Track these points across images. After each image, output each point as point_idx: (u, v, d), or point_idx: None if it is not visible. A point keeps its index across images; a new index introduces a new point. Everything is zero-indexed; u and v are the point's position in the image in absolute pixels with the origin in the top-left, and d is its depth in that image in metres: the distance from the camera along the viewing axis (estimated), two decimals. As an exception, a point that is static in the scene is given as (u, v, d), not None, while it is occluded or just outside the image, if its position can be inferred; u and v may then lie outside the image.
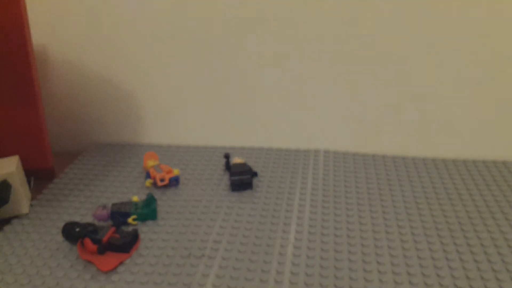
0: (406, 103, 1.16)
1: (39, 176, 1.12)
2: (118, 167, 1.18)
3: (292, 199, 1.02)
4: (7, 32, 0.97)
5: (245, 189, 1.06)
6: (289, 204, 1.00)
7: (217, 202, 1.01)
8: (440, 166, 1.14)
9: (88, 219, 0.97)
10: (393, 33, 1.09)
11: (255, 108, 1.22)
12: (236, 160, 1.11)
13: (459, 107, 1.14)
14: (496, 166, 1.14)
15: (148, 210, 0.94)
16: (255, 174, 1.09)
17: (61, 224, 0.95)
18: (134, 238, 0.86)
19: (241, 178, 1.05)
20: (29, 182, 1.07)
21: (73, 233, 0.87)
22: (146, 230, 0.92)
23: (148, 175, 1.09)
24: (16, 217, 0.98)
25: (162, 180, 1.06)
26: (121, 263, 0.83)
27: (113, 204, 0.95)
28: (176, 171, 1.08)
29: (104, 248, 0.84)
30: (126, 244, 0.84)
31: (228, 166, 1.12)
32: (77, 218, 0.97)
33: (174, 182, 1.08)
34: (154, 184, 1.08)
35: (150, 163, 1.11)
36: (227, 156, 1.11)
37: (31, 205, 1.02)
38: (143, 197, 1.03)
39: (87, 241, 0.84)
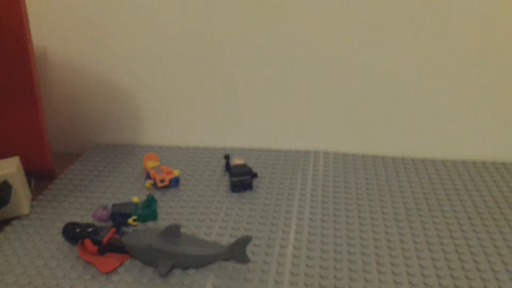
0: (406, 104, 1.16)
1: (39, 177, 1.12)
2: (118, 168, 1.18)
3: (291, 200, 1.02)
4: (8, 33, 0.97)
5: (245, 190, 1.06)
6: (288, 205, 1.00)
7: (217, 203, 1.02)
8: (440, 167, 1.14)
9: (88, 219, 0.97)
10: (394, 35, 1.10)
11: (255, 109, 1.23)
12: (236, 161, 1.11)
13: (459, 109, 1.15)
14: (496, 167, 1.14)
15: (148, 211, 0.94)
16: (255, 175, 1.09)
17: (62, 225, 0.95)
18: None
19: (241, 179, 1.05)
20: (29, 183, 1.07)
21: (73, 233, 0.87)
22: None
23: (148, 176, 1.09)
24: (17, 217, 0.98)
25: (162, 181, 1.06)
26: (121, 264, 0.83)
27: (114, 205, 0.95)
28: (176, 172, 1.08)
29: (105, 249, 0.84)
30: None
31: (228, 167, 1.12)
32: (77, 219, 0.97)
33: (174, 183, 1.08)
34: (154, 185, 1.09)
35: (150, 164, 1.11)
36: (227, 157, 1.11)
37: (31, 206, 1.02)
38: (144, 198, 1.04)
39: (87, 242, 0.84)
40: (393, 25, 1.09)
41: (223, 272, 0.80)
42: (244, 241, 0.79)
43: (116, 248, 0.84)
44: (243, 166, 1.08)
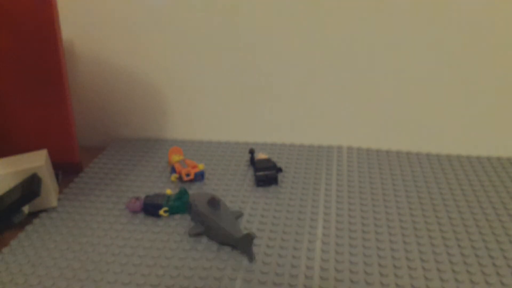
0: (429, 100, 1.15)
1: (66, 170, 1.13)
2: (142, 161, 1.18)
3: (317, 195, 1.02)
4: (38, 25, 0.98)
5: (270, 184, 1.06)
6: (314, 200, 1.00)
7: (242, 197, 1.02)
8: (465, 163, 1.14)
9: (115, 213, 0.97)
10: (412, 34, 1.09)
11: (278, 104, 1.22)
12: (260, 155, 1.11)
13: (486, 105, 1.13)
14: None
15: (179, 203, 0.95)
16: (280, 169, 1.09)
17: (89, 218, 0.96)
18: None
19: (266, 173, 1.05)
20: (57, 176, 1.08)
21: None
22: (174, 224, 0.93)
23: (173, 170, 1.09)
24: (44, 210, 0.99)
25: (187, 175, 1.06)
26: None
27: (146, 196, 0.97)
28: (201, 166, 1.08)
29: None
30: None
31: (253, 162, 1.12)
32: (104, 212, 0.97)
33: (200, 177, 1.08)
34: (180, 178, 1.09)
35: (175, 158, 1.11)
36: (252, 152, 1.11)
37: (58, 199, 1.03)
38: (176, 190, 1.04)
39: None
40: (415, 24, 1.08)
41: (253, 266, 0.80)
42: (249, 239, 0.82)
43: None
44: (268, 160, 1.08)
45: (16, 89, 1.05)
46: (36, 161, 0.96)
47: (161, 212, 0.94)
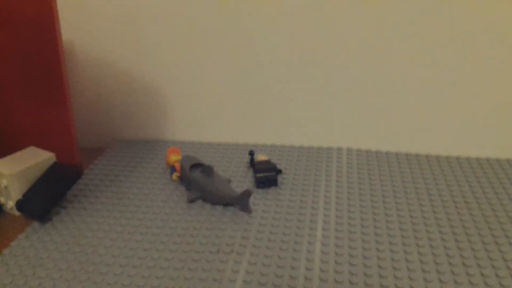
0: (430, 102, 1.15)
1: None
2: (143, 163, 1.19)
3: (317, 196, 1.02)
4: (38, 27, 0.98)
5: (270, 186, 1.06)
6: (314, 202, 1.00)
7: (242, 198, 1.02)
8: (464, 165, 1.14)
9: (116, 214, 0.97)
10: (411, 36, 1.09)
11: (278, 106, 1.23)
12: (260, 157, 1.11)
13: (487, 107, 1.14)
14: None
15: None
16: (279, 171, 1.09)
17: (89, 219, 0.96)
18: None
19: (266, 175, 1.05)
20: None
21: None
22: (174, 226, 0.93)
23: (173, 169, 1.09)
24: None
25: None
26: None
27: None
28: (201, 167, 1.09)
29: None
30: None
31: (252, 163, 1.12)
32: (104, 214, 0.98)
33: (199, 178, 1.09)
34: (180, 177, 1.09)
35: (174, 157, 1.12)
36: (251, 153, 1.11)
37: (58, 200, 1.03)
38: (170, 192, 1.04)
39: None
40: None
41: (253, 268, 0.81)
42: (247, 194, 0.95)
43: None
44: (268, 162, 1.08)
45: (16, 90, 1.05)
46: (42, 154, 1.00)
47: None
